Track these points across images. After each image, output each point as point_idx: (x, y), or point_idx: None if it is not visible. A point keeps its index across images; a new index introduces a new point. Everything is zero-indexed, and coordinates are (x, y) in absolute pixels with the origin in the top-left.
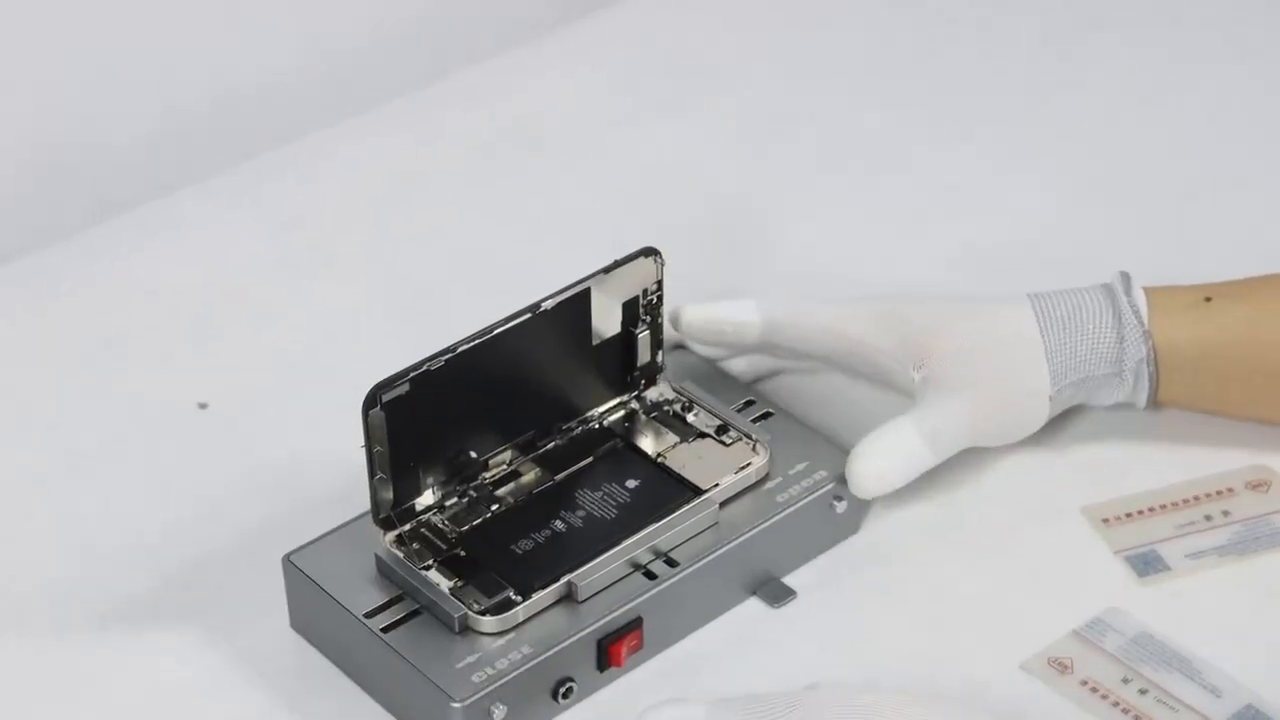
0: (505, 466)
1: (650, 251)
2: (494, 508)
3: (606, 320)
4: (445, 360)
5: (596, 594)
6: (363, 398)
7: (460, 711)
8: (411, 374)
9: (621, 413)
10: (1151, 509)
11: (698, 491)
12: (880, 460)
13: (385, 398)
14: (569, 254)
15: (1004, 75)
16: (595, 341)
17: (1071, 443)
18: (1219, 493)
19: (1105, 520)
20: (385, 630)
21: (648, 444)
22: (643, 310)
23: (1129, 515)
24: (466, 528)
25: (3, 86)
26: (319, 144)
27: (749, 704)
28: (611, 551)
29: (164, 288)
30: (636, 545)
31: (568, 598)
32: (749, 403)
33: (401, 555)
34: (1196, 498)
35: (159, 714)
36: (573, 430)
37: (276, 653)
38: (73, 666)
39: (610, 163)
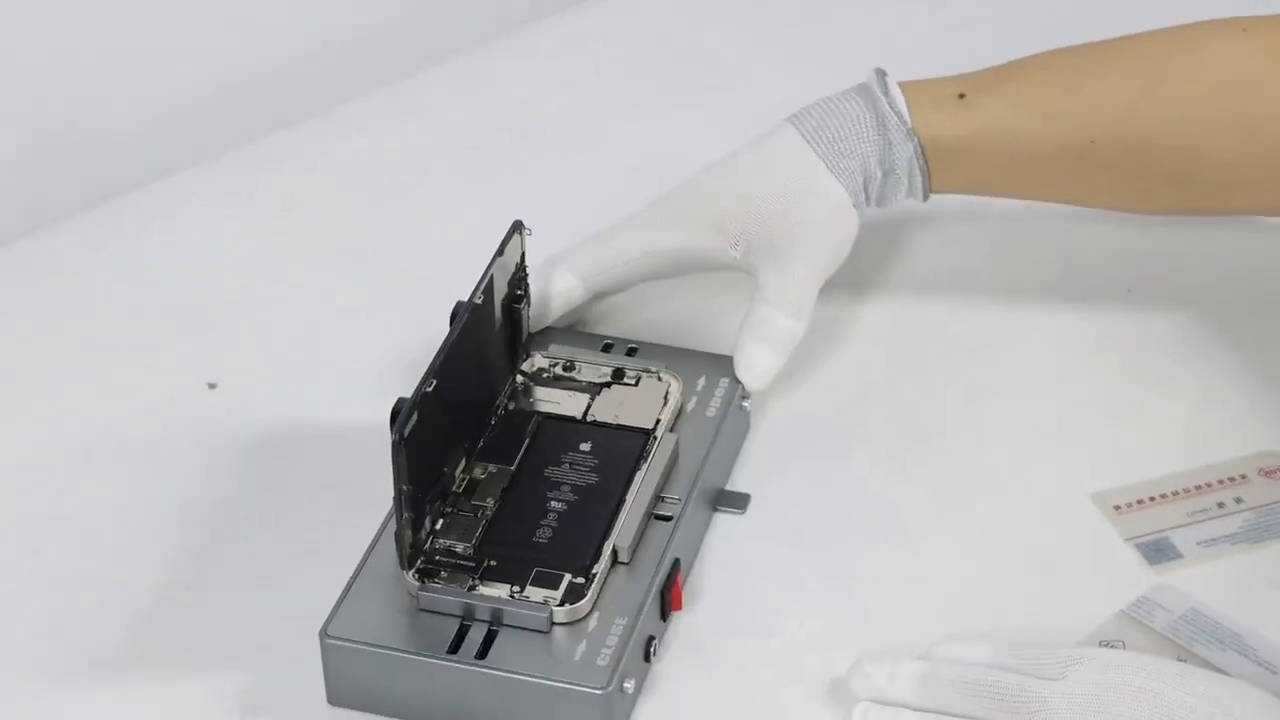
0: (463, 476)
1: (517, 226)
2: (483, 515)
3: (498, 302)
4: (435, 380)
5: (637, 551)
6: (388, 425)
7: (604, 699)
8: (418, 401)
9: (519, 389)
10: (1163, 495)
11: (648, 432)
12: (763, 351)
13: (406, 432)
14: (569, 242)
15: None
16: (497, 327)
17: (1081, 428)
18: (1231, 479)
19: (1116, 507)
20: (479, 658)
21: (566, 408)
22: (518, 285)
23: (1140, 502)
24: (475, 540)
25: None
26: (319, 129)
27: (1031, 651)
28: (628, 508)
29: (163, 273)
30: (642, 495)
31: (616, 563)
32: (608, 345)
33: (442, 585)
34: (1209, 484)
35: None
36: (492, 421)
37: None
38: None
39: (611, 151)
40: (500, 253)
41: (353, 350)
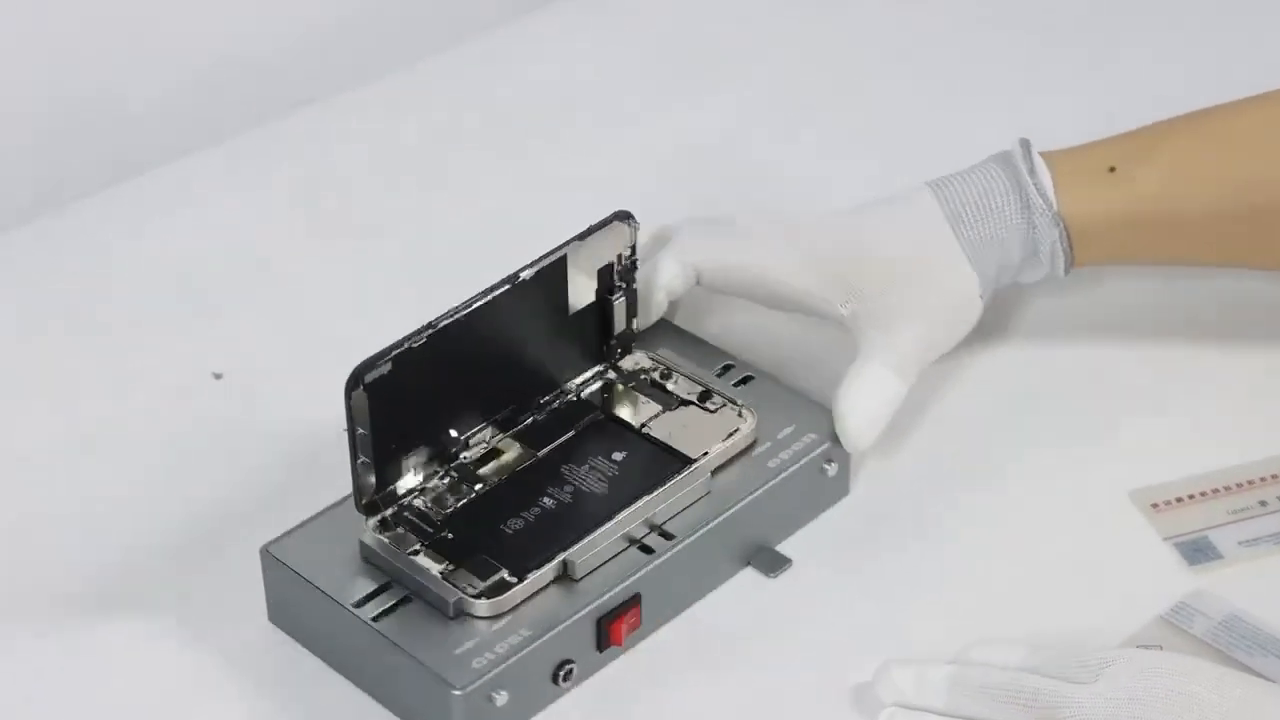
0: (485, 445)
1: (624, 216)
2: (477, 488)
3: (582, 288)
4: (427, 337)
5: (593, 571)
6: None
7: (461, 699)
8: (393, 353)
9: (599, 384)
10: (1203, 493)
11: (687, 461)
12: (864, 409)
13: (368, 379)
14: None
15: (1031, 50)
16: (571, 311)
17: (1119, 424)
18: (1274, 476)
19: (1154, 505)
20: (376, 619)
21: (630, 414)
22: (617, 277)
23: (1179, 500)
24: (451, 509)
25: (12, 46)
26: (337, 109)
27: (1063, 654)
28: (605, 527)
29: (175, 257)
30: (630, 519)
31: (564, 576)
32: (728, 367)
33: (387, 540)
34: (1250, 482)
35: (138, 708)
36: (551, 404)
37: (256, 649)
38: (51, 655)
39: (632, 134)
40: (582, 237)
41: (369, 339)
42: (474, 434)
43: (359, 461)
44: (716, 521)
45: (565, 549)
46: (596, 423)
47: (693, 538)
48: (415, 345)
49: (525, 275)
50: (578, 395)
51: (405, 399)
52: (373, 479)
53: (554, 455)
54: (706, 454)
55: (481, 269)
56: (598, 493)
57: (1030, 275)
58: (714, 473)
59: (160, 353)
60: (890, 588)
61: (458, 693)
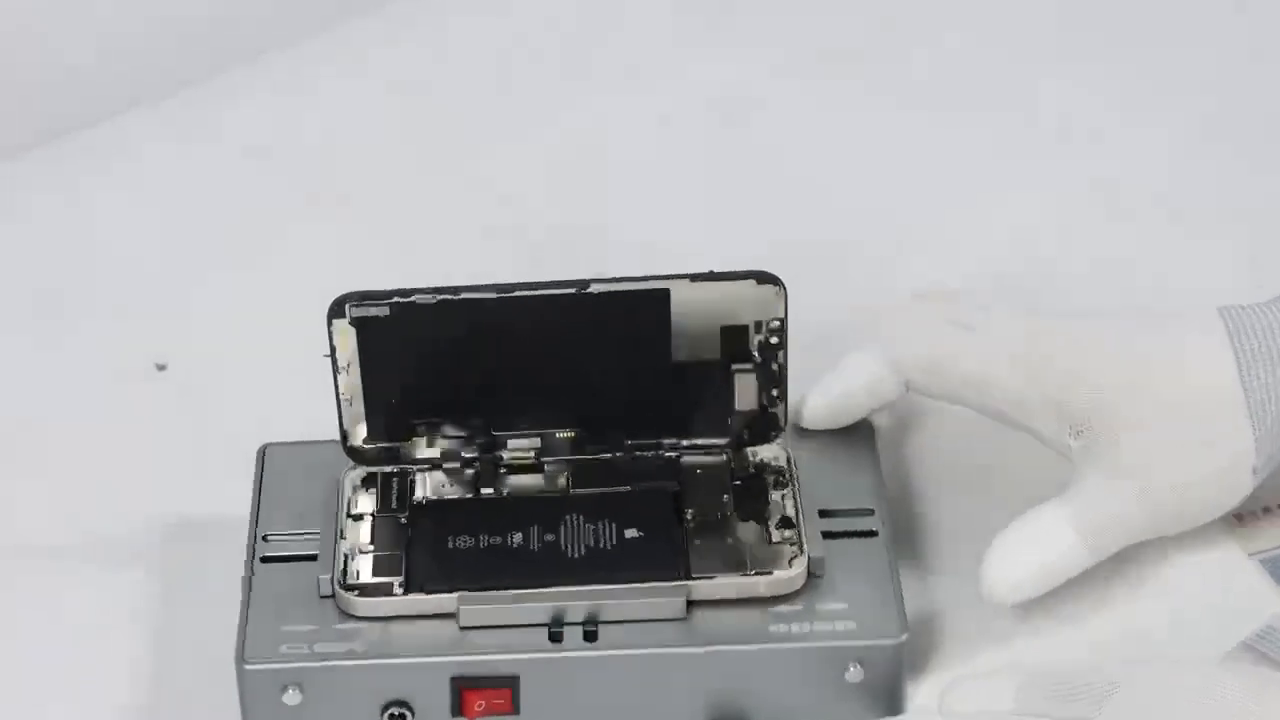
0: (529, 455)
1: (768, 278)
2: (484, 491)
3: (695, 338)
4: (439, 299)
5: (483, 629)
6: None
7: (248, 675)
8: (394, 298)
9: (702, 457)
10: None
11: (679, 575)
12: (1021, 561)
13: (356, 313)
14: (595, 191)
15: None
16: (677, 358)
17: None
18: None
19: (1238, 517)
20: (265, 559)
21: (695, 500)
22: (755, 349)
23: (1266, 510)
24: (432, 500)
25: None
26: (298, 58)
27: (1064, 680)
28: (529, 591)
29: (106, 229)
30: (568, 598)
31: (451, 617)
32: (861, 512)
33: (349, 493)
34: None
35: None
36: (636, 452)
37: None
38: None
39: (643, 86)
40: (695, 277)
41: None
42: (517, 438)
43: (341, 397)
44: (651, 652)
45: (470, 590)
46: (656, 493)
47: (611, 652)
48: (422, 302)
49: (598, 289)
50: (667, 455)
51: (414, 358)
52: (361, 426)
53: (580, 501)
54: (710, 579)
55: (467, 247)
56: (569, 556)
57: None
58: (708, 604)
59: (96, 338)
60: (940, 593)
61: (247, 667)
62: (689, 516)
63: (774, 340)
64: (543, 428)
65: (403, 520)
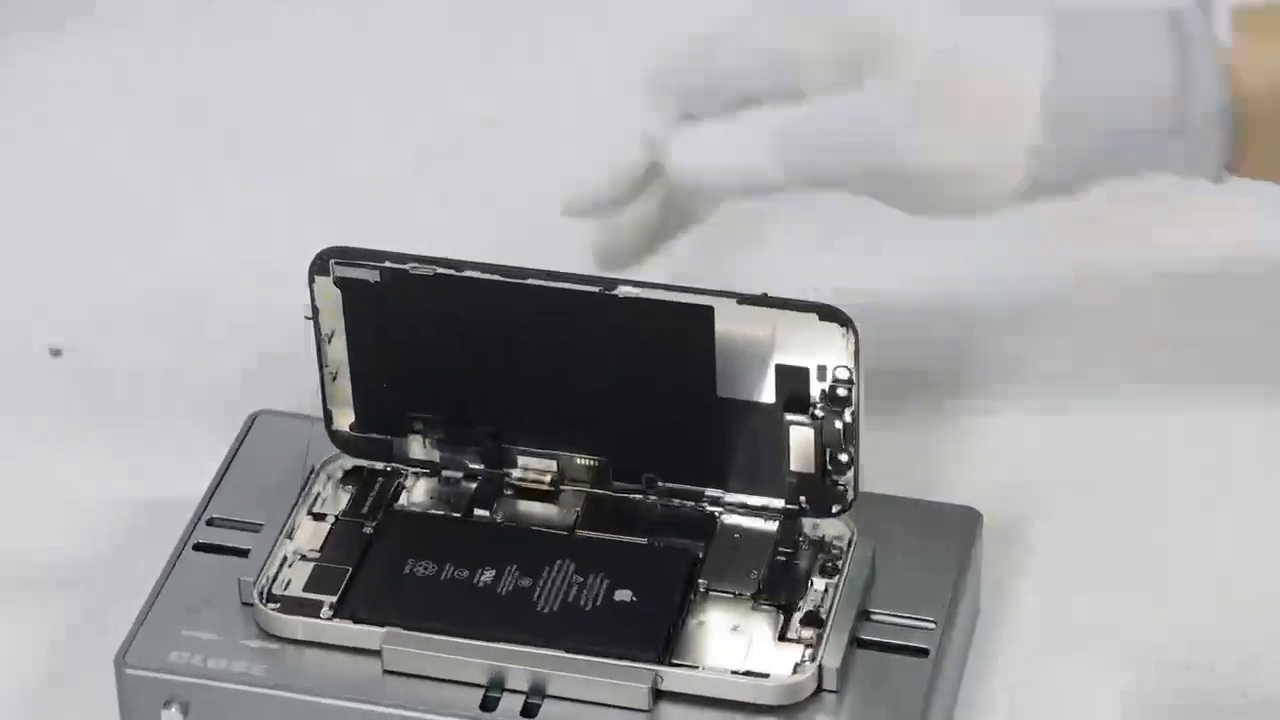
0: (544, 480)
1: (832, 314)
2: (477, 512)
3: (743, 373)
4: (434, 271)
5: (409, 676)
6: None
7: (126, 679)
8: (385, 262)
9: (748, 519)
10: None
11: (655, 656)
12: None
13: (341, 273)
14: (574, 144)
15: None
16: (723, 393)
17: None
18: None
19: None
20: (197, 547)
21: (717, 570)
22: (820, 399)
23: None
24: (400, 506)
25: None
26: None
27: None
28: (472, 643)
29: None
30: (513, 659)
31: (376, 655)
32: (920, 623)
33: (317, 487)
34: None
35: None
36: (667, 499)
37: None
38: None
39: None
40: (743, 299)
41: (259, 299)
42: (532, 456)
43: (325, 371)
44: None
45: (402, 628)
46: (674, 553)
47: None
48: (415, 272)
49: (626, 292)
50: (707, 511)
51: (409, 337)
52: (346, 408)
53: (580, 545)
54: (679, 666)
55: (435, 209)
56: (538, 609)
57: (1153, 163)
58: (682, 698)
59: None
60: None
61: (125, 670)
62: (700, 588)
63: (840, 393)
64: (560, 448)
65: (367, 530)
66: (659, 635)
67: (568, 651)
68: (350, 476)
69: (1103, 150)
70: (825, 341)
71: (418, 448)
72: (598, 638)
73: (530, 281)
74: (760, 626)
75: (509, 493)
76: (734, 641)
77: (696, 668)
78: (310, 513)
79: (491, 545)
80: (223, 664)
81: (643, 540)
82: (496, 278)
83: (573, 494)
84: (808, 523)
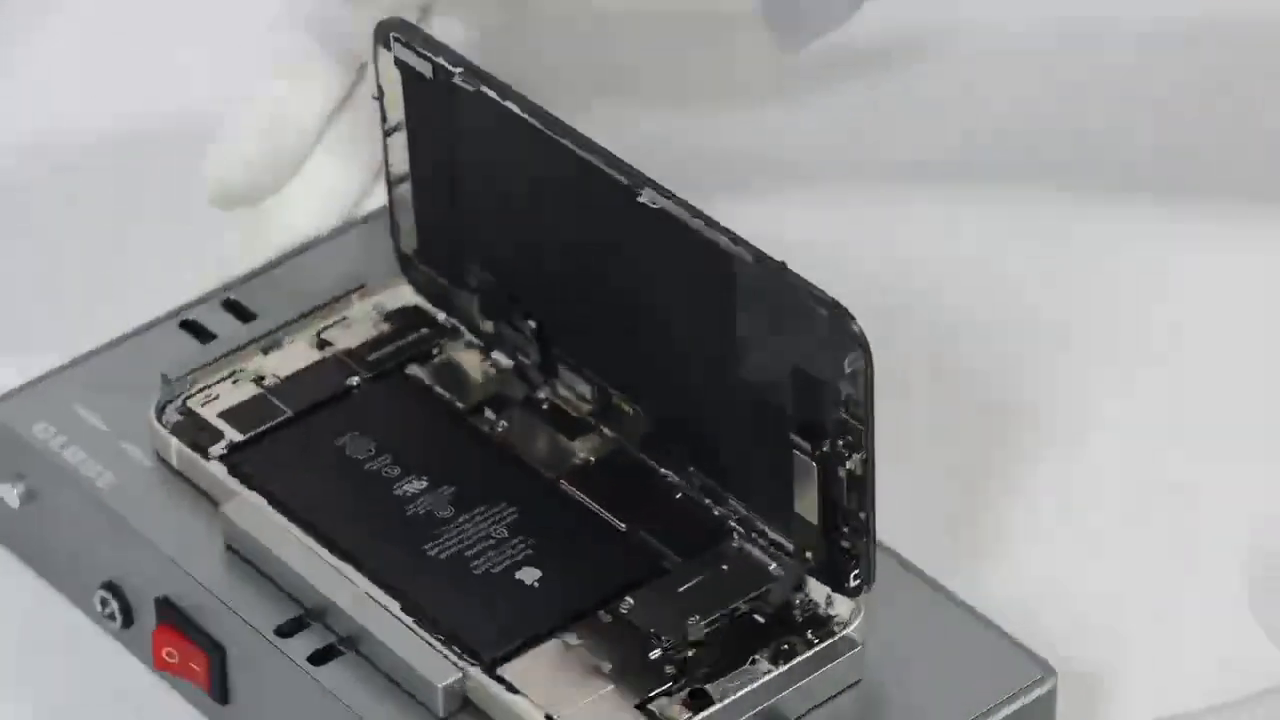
0: (578, 407)
1: (843, 324)
2: (485, 413)
3: (760, 362)
4: (479, 88)
5: (244, 562)
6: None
7: None
8: (440, 57)
9: (757, 551)
10: None
11: (487, 657)
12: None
13: (400, 54)
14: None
15: None
16: (747, 376)
17: None
18: None
19: None
20: (183, 325)
21: (671, 596)
22: (827, 429)
23: None
24: (412, 372)
25: None
26: None
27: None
28: (313, 550)
29: None
30: (341, 592)
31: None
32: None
33: (357, 315)
34: None
35: None
36: (694, 490)
37: None
38: None
39: None
40: (778, 269)
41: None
42: (573, 372)
43: (390, 168)
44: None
45: (256, 500)
46: (637, 556)
47: (334, 687)
48: (458, 82)
49: (648, 199)
50: (725, 524)
51: (466, 166)
52: (413, 234)
53: (546, 499)
54: (478, 679)
55: None
56: (425, 551)
57: None
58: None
59: None
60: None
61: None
62: (624, 608)
63: (849, 425)
64: (603, 379)
65: (351, 381)
66: (513, 638)
67: (403, 610)
68: (394, 317)
69: None
70: (835, 357)
71: (474, 310)
72: (444, 614)
73: (566, 142)
74: (633, 683)
75: (543, 402)
76: (582, 684)
77: (518, 693)
78: (317, 335)
79: (450, 455)
80: (80, 457)
81: (622, 526)
82: (537, 123)
83: (595, 441)
84: (819, 589)
